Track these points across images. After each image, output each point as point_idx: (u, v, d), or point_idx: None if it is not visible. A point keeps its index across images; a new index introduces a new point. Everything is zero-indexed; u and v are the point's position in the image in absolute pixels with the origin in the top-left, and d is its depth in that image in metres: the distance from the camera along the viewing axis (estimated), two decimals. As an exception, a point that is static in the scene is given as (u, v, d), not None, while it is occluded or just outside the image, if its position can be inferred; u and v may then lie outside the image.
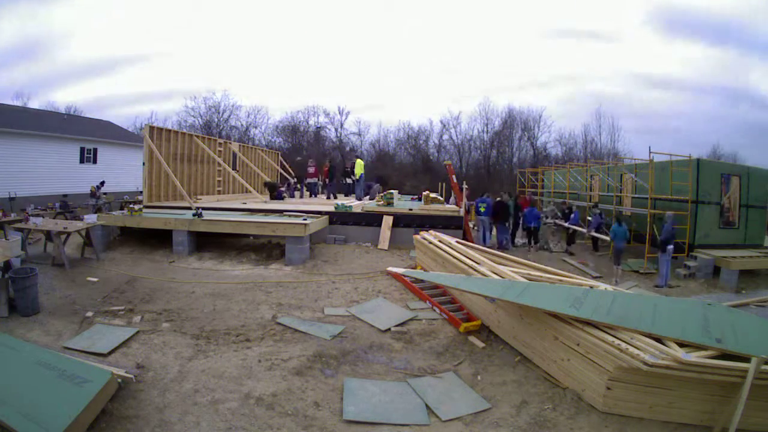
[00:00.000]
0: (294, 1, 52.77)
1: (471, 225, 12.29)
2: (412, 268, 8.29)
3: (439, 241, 7.91)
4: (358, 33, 53.49)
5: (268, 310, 6.28)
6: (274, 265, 8.59)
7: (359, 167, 15.69)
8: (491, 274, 6.06)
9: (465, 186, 12.74)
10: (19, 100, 30.77)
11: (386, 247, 10.21)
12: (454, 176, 11.91)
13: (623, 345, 3.88)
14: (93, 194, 15.99)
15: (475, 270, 6.30)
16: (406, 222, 10.77)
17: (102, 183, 16.75)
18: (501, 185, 30.90)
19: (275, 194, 14.61)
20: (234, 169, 15.84)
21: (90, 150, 19.65)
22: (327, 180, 16.85)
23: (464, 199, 11.63)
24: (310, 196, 16.61)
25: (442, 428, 3.90)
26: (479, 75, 51.13)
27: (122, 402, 3.85)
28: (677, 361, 3.63)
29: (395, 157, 37.34)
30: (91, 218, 8.93)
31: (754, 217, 11.66)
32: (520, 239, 13.00)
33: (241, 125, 37.02)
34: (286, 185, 17.09)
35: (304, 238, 8.80)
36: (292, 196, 16.14)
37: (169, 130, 12.96)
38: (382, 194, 12.91)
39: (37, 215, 11.13)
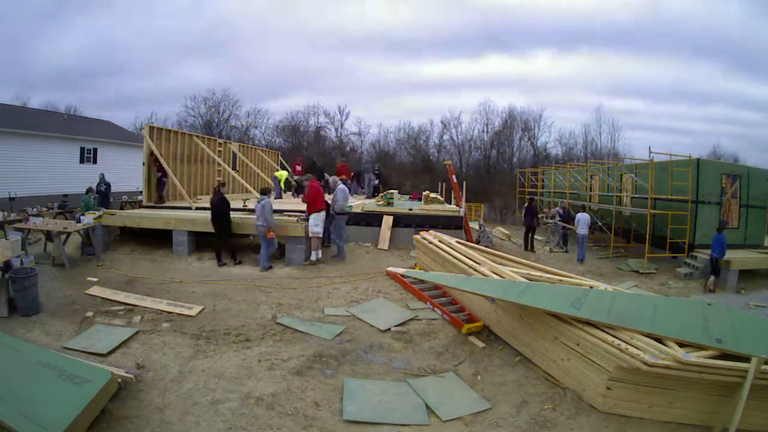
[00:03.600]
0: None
1: (471, 225, 12.29)
2: (412, 268, 8.29)
3: (440, 241, 7.91)
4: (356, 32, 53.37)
5: (268, 310, 6.28)
6: (274, 265, 8.59)
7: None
8: (491, 274, 6.06)
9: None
10: (19, 100, 30.74)
11: (386, 247, 10.21)
12: (454, 176, 11.90)
13: (623, 345, 3.88)
14: None
15: (476, 270, 6.30)
16: (406, 222, 10.77)
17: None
18: (501, 185, 30.97)
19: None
20: (234, 169, 15.83)
21: (90, 150, 19.65)
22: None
23: (464, 199, 11.61)
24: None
25: (442, 428, 3.90)
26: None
27: (122, 402, 3.85)
28: (677, 361, 3.63)
29: (395, 157, 37.36)
30: (87, 219, 8.91)
31: (754, 217, 11.66)
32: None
33: (241, 125, 37.08)
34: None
35: (304, 238, 8.80)
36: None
37: (169, 130, 12.94)
38: (382, 194, 12.90)
39: (37, 215, 11.12)
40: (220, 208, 8.53)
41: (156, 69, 49.10)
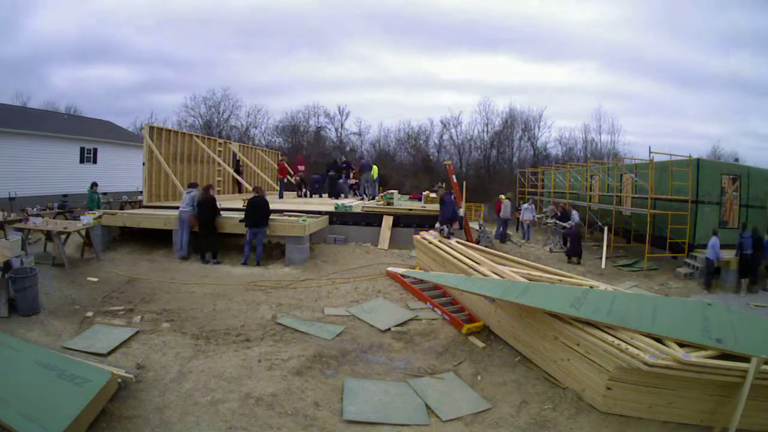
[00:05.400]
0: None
1: (471, 225, 12.29)
2: (412, 268, 8.29)
3: (439, 241, 7.91)
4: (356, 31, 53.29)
5: (268, 310, 6.28)
6: (274, 265, 8.59)
7: (375, 171, 16.01)
8: (491, 274, 6.06)
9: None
10: (19, 100, 30.75)
11: (386, 247, 10.22)
12: (454, 176, 11.90)
13: (623, 345, 3.88)
14: None
15: (475, 270, 6.30)
16: (406, 222, 10.77)
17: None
18: (501, 185, 30.95)
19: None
20: (234, 169, 15.84)
21: (90, 150, 19.65)
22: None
23: (464, 199, 11.61)
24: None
25: (443, 428, 3.90)
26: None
27: (122, 402, 3.85)
28: (677, 361, 3.63)
29: (395, 157, 37.31)
30: (87, 219, 8.91)
31: (754, 217, 11.65)
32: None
33: (241, 125, 37.01)
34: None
35: (304, 238, 8.80)
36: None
37: (169, 130, 12.96)
38: (382, 194, 12.89)
39: (37, 215, 11.12)
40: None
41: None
